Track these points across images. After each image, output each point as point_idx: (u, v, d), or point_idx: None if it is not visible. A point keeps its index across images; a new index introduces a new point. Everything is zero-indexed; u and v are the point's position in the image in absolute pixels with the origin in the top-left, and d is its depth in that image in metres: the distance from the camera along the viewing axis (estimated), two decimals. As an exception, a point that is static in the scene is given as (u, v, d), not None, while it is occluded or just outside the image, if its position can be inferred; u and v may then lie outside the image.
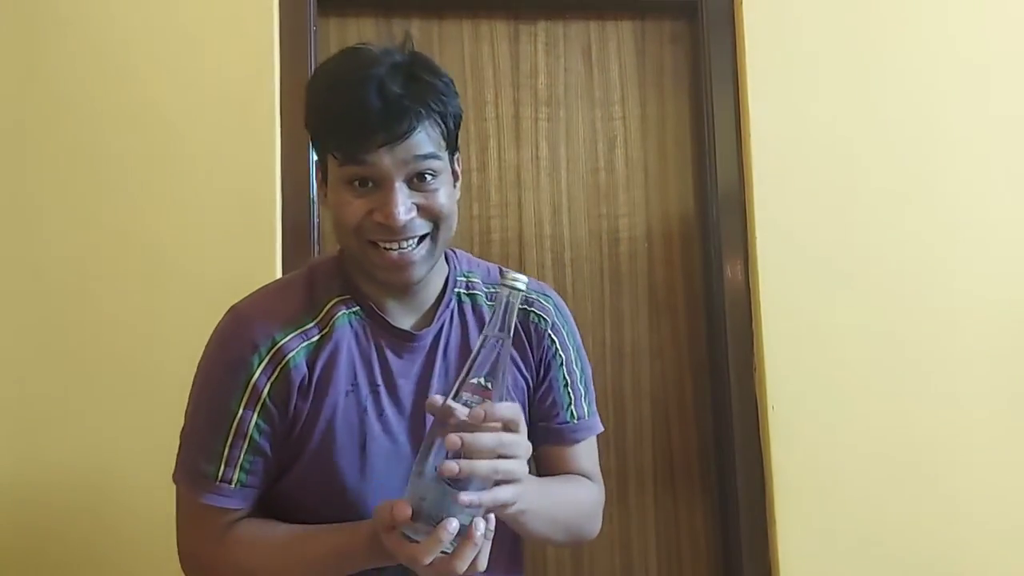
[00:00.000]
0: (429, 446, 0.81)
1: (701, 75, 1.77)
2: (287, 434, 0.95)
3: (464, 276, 1.05)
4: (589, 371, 1.12)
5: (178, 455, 0.98)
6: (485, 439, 0.80)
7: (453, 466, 0.78)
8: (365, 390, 0.97)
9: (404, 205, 0.89)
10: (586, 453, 1.09)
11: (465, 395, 0.82)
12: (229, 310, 0.98)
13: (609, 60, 1.81)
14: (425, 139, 0.89)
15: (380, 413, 0.97)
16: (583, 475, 1.08)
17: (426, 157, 0.89)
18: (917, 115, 1.76)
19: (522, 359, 1.05)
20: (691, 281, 1.78)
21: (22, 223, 1.49)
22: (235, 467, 0.94)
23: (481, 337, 0.84)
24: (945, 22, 1.79)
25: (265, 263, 1.11)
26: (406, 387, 0.99)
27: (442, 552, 0.79)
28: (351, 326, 0.98)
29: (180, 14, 1.56)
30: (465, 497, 0.78)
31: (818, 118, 1.73)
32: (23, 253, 1.49)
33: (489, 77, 1.77)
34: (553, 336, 1.07)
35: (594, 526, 1.09)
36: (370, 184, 0.89)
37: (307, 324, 0.96)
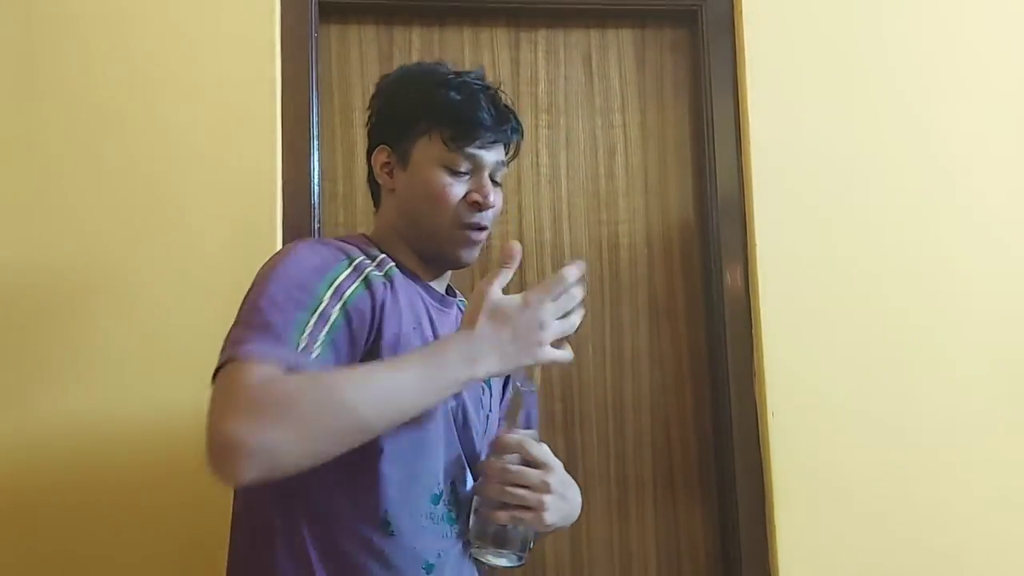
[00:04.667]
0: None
1: (701, 83, 1.77)
2: (354, 347, 0.96)
3: None
4: None
5: (234, 335, 0.90)
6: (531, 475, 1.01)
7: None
8: (426, 332, 1.06)
9: (493, 193, 1.09)
10: None
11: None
12: (295, 241, 1.11)
13: (609, 68, 1.82)
14: (504, 150, 1.12)
15: None
16: None
17: (503, 163, 1.12)
18: (917, 124, 1.76)
19: None
20: (691, 287, 1.78)
21: (20, 222, 1.50)
22: (316, 343, 0.90)
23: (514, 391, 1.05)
24: (945, 31, 1.79)
25: (265, 267, 1.14)
26: None
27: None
28: (400, 276, 1.07)
29: (182, 19, 1.57)
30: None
31: (818, 126, 1.73)
32: (23, 252, 1.49)
33: (490, 84, 1.77)
34: None
35: None
36: (464, 173, 1.07)
37: (368, 259, 1.04)
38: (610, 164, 1.79)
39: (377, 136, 1.14)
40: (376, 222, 1.18)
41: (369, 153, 1.15)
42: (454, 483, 1.06)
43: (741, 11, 1.75)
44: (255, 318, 0.91)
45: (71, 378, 1.47)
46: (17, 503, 1.44)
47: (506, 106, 1.11)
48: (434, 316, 1.09)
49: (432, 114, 1.07)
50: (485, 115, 1.07)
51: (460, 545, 1.06)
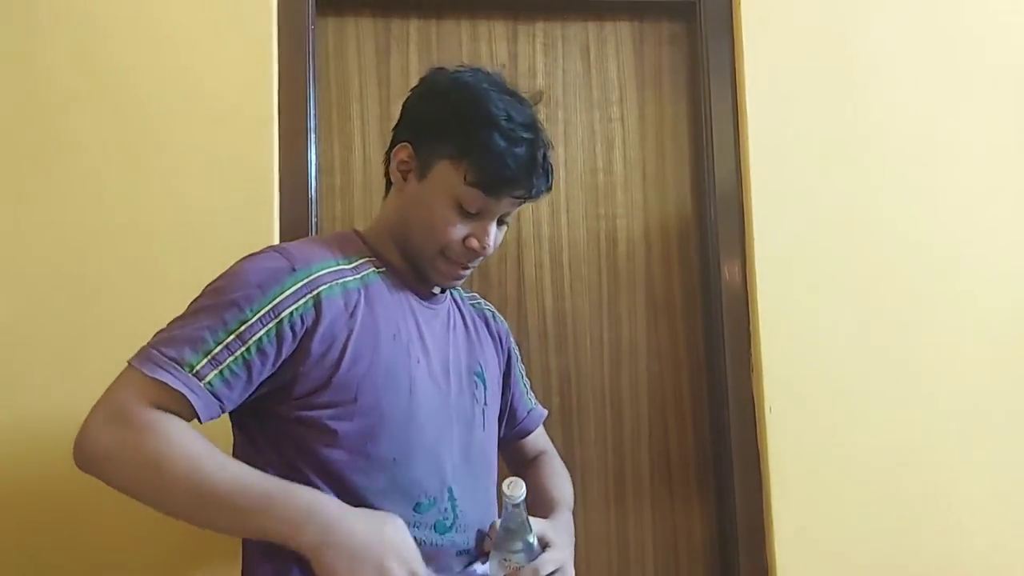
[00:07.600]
0: None
1: (699, 76, 1.77)
2: (295, 357, 0.97)
3: None
4: None
5: (148, 344, 0.96)
6: None
7: None
8: (406, 338, 1.05)
9: (493, 239, 1.06)
10: (543, 432, 1.37)
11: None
12: (266, 248, 1.04)
13: (607, 61, 1.81)
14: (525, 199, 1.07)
15: (418, 361, 1.05)
16: (545, 450, 1.34)
17: (518, 207, 1.08)
18: (916, 117, 1.76)
19: (492, 341, 1.24)
20: (689, 281, 1.78)
21: (18, 222, 1.49)
22: (216, 368, 0.93)
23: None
24: (943, 26, 1.79)
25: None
26: (432, 343, 1.09)
27: None
28: (382, 281, 1.07)
29: (178, 13, 1.56)
30: None
31: (815, 119, 1.73)
32: (19, 252, 1.48)
33: (487, 77, 1.76)
34: (508, 332, 1.31)
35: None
36: (473, 215, 1.04)
37: (342, 266, 1.04)
38: (608, 157, 1.79)
39: (405, 132, 1.09)
40: (378, 213, 1.16)
41: (393, 143, 1.11)
42: (450, 489, 1.05)
43: (739, 4, 1.74)
44: (165, 333, 0.97)
45: (68, 376, 1.47)
46: (17, 502, 1.44)
47: (544, 166, 1.05)
48: (420, 317, 1.09)
49: (467, 148, 1.01)
50: (520, 174, 1.01)
51: (453, 553, 1.05)
